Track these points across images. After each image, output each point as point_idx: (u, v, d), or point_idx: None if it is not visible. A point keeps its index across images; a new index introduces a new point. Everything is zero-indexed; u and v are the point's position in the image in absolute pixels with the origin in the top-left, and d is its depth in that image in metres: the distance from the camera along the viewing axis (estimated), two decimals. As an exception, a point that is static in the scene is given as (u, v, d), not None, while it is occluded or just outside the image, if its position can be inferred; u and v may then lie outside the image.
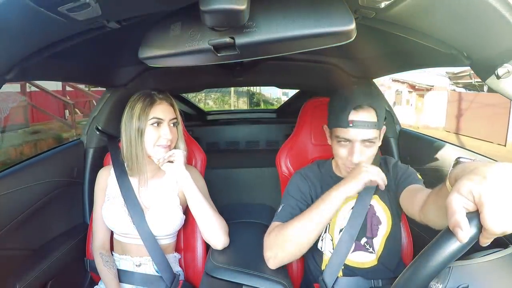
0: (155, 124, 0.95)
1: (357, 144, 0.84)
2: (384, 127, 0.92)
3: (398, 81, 12.82)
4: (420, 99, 12.12)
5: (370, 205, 0.94)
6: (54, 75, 1.18)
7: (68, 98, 7.66)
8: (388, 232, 0.93)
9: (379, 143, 0.90)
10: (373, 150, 0.88)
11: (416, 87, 11.98)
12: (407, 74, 11.72)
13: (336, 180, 0.97)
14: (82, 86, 8.42)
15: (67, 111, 7.72)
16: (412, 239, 1.06)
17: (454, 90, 10.78)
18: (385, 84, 13.31)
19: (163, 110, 0.95)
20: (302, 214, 0.84)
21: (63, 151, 1.22)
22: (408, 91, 12.61)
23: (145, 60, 0.72)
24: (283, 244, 0.83)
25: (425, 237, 1.06)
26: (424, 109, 11.72)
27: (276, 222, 0.91)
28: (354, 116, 0.83)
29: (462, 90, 10.56)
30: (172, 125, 0.98)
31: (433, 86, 11.45)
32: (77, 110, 7.80)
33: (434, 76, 11.49)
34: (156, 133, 0.94)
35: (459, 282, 0.51)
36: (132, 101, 0.96)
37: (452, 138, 9.26)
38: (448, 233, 0.44)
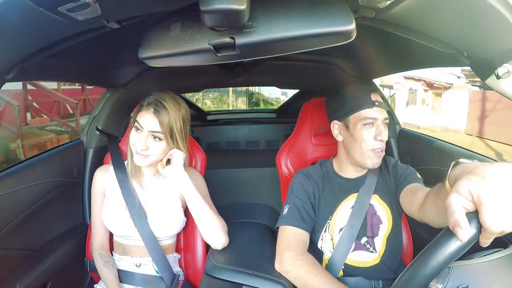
0: (136, 129, 0.91)
1: (380, 122, 0.90)
2: None
3: (412, 78, 11.81)
4: (437, 98, 11.22)
5: (371, 204, 0.94)
6: (54, 75, 1.18)
7: (30, 98, 6.78)
8: (389, 231, 0.93)
9: None
10: (388, 132, 0.92)
11: (435, 85, 11.03)
12: (423, 71, 10.41)
13: (338, 179, 0.98)
14: (48, 85, 7.23)
15: (28, 114, 6.81)
16: (412, 239, 1.06)
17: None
18: (400, 81, 12.48)
19: (145, 119, 0.89)
20: (322, 277, 0.79)
21: (63, 151, 1.22)
22: (424, 90, 11.66)
23: (145, 60, 0.72)
24: (300, 278, 0.81)
25: (425, 237, 1.06)
26: (442, 110, 10.83)
27: (287, 227, 0.90)
28: (375, 97, 0.90)
29: (477, 89, 9.73)
30: (152, 137, 0.90)
31: (452, 84, 10.53)
32: (44, 114, 7.05)
33: (447, 75, 10.77)
34: (134, 138, 0.90)
35: (459, 282, 0.51)
36: None
37: (477, 142, 8.62)
38: (448, 233, 0.44)
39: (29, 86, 6.81)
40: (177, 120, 0.91)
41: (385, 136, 0.89)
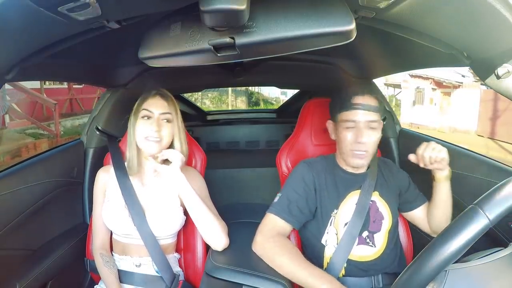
0: (146, 118, 0.95)
1: (362, 125, 0.90)
2: (382, 122, 0.96)
3: (420, 77, 11.30)
4: (445, 97, 10.70)
5: (373, 201, 0.97)
6: (54, 75, 1.18)
7: (8, 98, 6.09)
8: (390, 226, 0.96)
9: (380, 133, 0.94)
10: (377, 135, 0.92)
11: (444, 83, 10.47)
12: (431, 70, 9.77)
13: (341, 172, 1.00)
14: (29, 84, 6.54)
15: (7, 116, 6.29)
16: (411, 235, 1.07)
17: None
18: (408, 80, 12.14)
19: (154, 104, 0.96)
20: (294, 258, 0.82)
21: (63, 151, 1.22)
22: (432, 88, 11.15)
23: (145, 60, 0.72)
24: (269, 259, 0.85)
25: (424, 234, 1.07)
26: (451, 109, 10.28)
27: (270, 214, 0.93)
28: (358, 99, 0.91)
29: (484, 87, 9.22)
30: (165, 120, 0.96)
31: (462, 83, 9.99)
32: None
33: (452, 73, 10.32)
34: (145, 126, 0.94)
35: (455, 285, 0.51)
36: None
37: (491, 144, 8.21)
38: (447, 233, 0.45)
39: (7, 85, 5.49)
40: (176, 107, 1.00)
41: (366, 138, 0.90)
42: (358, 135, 0.90)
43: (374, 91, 0.96)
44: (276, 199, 0.96)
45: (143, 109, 0.95)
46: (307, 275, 0.78)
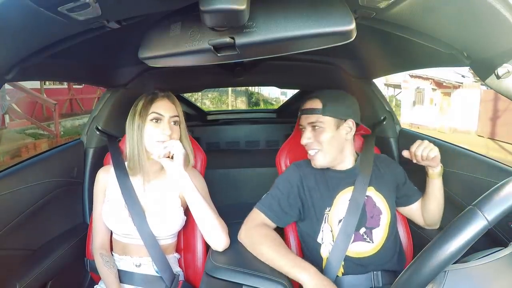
0: (154, 120, 0.95)
1: (306, 127, 0.99)
2: (351, 120, 0.98)
3: (420, 77, 11.39)
4: (445, 98, 10.72)
5: (368, 196, 0.97)
6: (54, 75, 1.18)
7: (8, 98, 6.22)
8: (389, 220, 0.97)
9: (337, 131, 0.97)
10: (325, 135, 0.96)
11: (444, 84, 10.52)
12: (431, 70, 10.02)
13: (331, 172, 1.01)
14: (28, 84, 6.52)
15: (7, 116, 6.33)
16: (411, 235, 1.07)
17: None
18: (408, 80, 12.25)
19: (163, 106, 0.96)
20: (275, 246, 0.85)
21: (63, 151, 1.22)
22: (432, 89, 11.18)
23: (145, 60, 0.72)
24: (252, 247, 0.90)
25: (424, 234, 1.06)
26: (451, 110, 10.33)
27: (255, 209, 0.98)
28: (304, 106, 1.01)
29: (484, 87, 9.27)
30: (173, 123, 0.97)
31: (462, 83, 10.06)
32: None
33: (452, 74, 10.38)
34: (155, 129, 0.94)
35: (455, 285, 0.51)
36: (136, 100, 0.99)
37: (491, 145, 8.16)
38: (447, 233, 0.45)
39: (7, 85, 5.45)
40: (181, 109, 1.02)
41: (306, 139, 0.97)
42: (302, 137, 0.98)
43: (332, 92, 1.00)
44: (264, 195, 1.01)
45: (152, 112, 0.94)
46: (286, 263, 0.80)
